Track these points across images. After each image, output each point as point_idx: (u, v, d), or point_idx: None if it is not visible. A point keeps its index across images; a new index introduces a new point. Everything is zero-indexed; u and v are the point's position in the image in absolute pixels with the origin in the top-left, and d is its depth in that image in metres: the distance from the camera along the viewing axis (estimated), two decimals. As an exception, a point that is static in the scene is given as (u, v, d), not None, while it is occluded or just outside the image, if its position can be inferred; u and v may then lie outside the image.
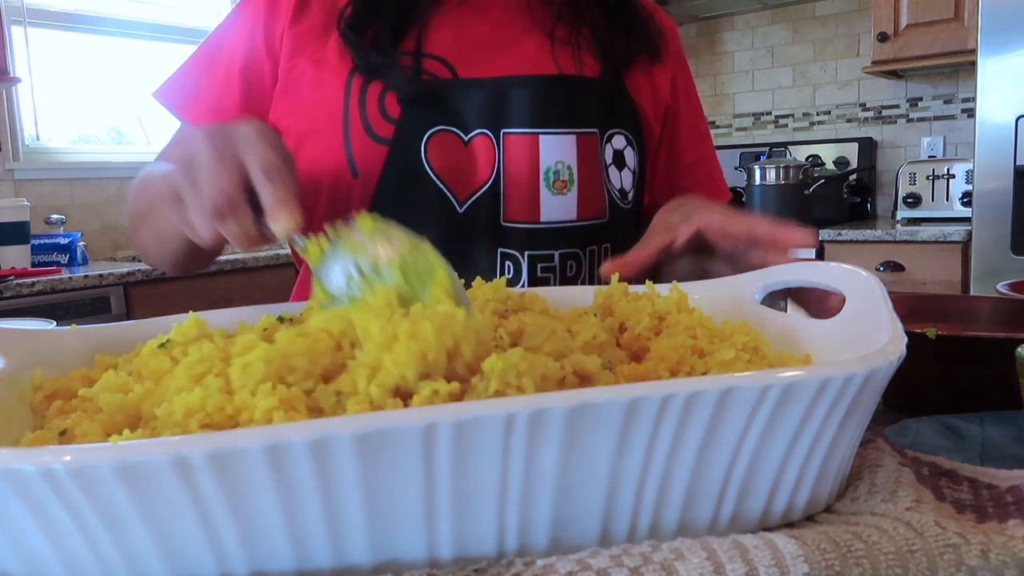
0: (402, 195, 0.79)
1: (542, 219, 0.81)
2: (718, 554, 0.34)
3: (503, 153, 0.80)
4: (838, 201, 2.96)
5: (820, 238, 2.67)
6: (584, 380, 0.42)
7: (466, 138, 0.80)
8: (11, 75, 2.67)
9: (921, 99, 3.07)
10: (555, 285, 0.82)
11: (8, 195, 2.75)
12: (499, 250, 0.81)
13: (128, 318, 2.18)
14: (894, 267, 2.55)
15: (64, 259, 2.61)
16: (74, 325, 0.55)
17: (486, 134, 0.80)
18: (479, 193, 0.80)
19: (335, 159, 0.79)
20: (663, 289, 0.58)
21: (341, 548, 0.34)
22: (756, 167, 2.93)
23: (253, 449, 0.31)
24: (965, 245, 2.46)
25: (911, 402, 0.62)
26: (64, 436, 0.40)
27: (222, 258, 2.68)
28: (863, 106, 3.20)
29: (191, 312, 0.52)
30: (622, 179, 0.87)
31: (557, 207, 0.81)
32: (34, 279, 2.24)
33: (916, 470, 0.45)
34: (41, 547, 0.33)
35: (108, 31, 3.11)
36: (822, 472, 0.40)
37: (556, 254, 0.82)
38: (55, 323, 0.68)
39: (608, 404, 0.34)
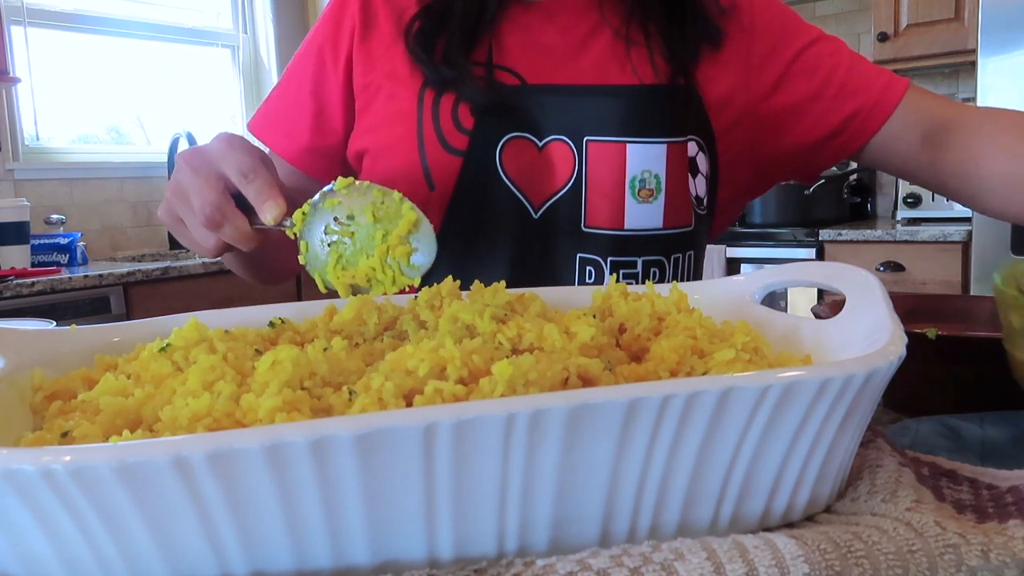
0: (477, 204, 0.80)
1: (627, 226, 0.81)
2: (718, 554, 0.34)
3: (585, 160, 0.80)
4: (838, 201, 2.96)
5: (820, 238, 2.67)
6: (587, 383, 0.42)
7: (540, 144, 0.80)
8: (11, 75, 2.67)
9: (921, 99, 3.07)
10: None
11: (8, 195, 2.75)
12: (578, 255, 0.81)
13: (128, 318, 2.18)
14: (894, 267, 2.55)
15: (64, 259, 2.61)
16: (74, 325, 0.55)
17: (563, 140, 0.80)
18: (555, 198, 0.81)
19: (411, 172, 0.80)
20: (663, 289, 0.58)
21: (341, 548, 0.34)
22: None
23: (253, 449, 0.31)
24: (965, 245, 2.46)
25: (911, 402, 0.62)
26: (65, 438, 0.40)
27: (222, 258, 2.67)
28: (863, 106, 3.20)
29: (191, 315, 0.52)
30: (696, 186, 0.86)
31: (642, 215, 0.81)
32: (34, 279, 2.24)
33: (916, 470, 0.45)
34: (41, 547, 0.33)
35: (108, 31, 3.11)
36: (822, 472, 0.40)
37: (640, 261, 0.82)
38: (55, 323, 0.68)
39: (608, 404, 0.34)
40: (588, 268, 0.81)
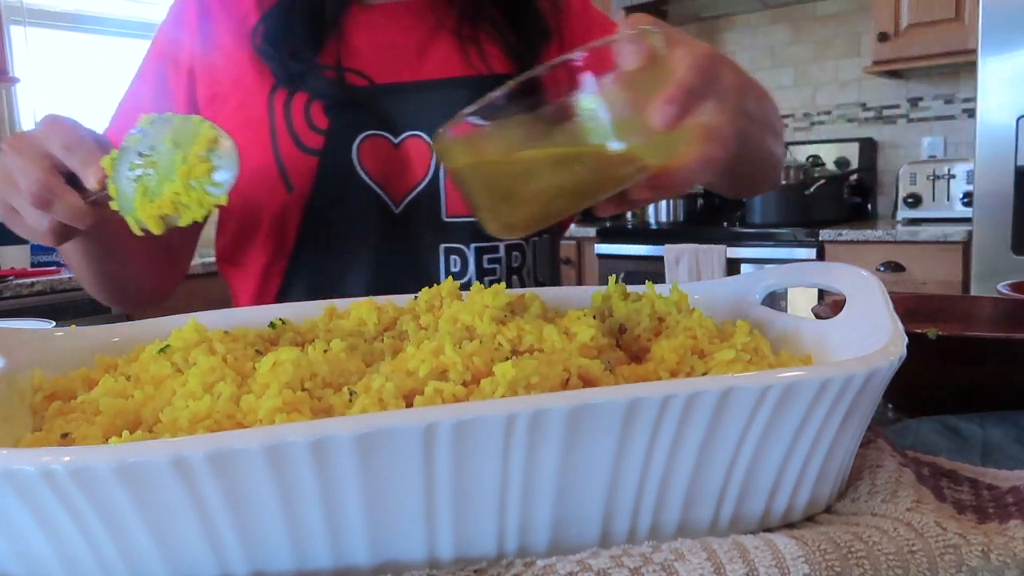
0: (337, 202, 0.81)
1: None
2: (718, 554, 0.33)
3: None
4: (838, 201, 2.96)
5: (820, 238, 2.67)
6: (588, 383, 0.42)
7: (396, 141, 0.82)
8: (11, 75, 2.67)
9: (922, 99, 3.07)
10: (502, 275, 0.85)
11: (8, 195, 2.74)
12: (442, 245, 0.83)
13: (128, 318, 2.18)
14: (894, 267, 2.55)
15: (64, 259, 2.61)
16: (74, 325, 0.55)
17: (418, 135, 0.82)
18: (415, 192, 0.83)
19: (268, 176, 0.80)
20: (663, 290, 0.58)
21: (341, 548, 0.34)
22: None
23: (253, 449, 0.30)
24: (965, 245, 2.46)
25: (911, 402, 0.62)
26: (65, 439, 0.40)
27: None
28: (863, 106, 3.20)
29: (190, 316, 0.52)
30: None
31: None
32: (34, 279, 2.24)
33: (916, 470, 0.45)
34: (41, 548, 0.33)
35: (108, 31, 3.11)
36: (822, 472, 0.40)
37: (501, 245, 0.85)
38: (55, 323, 0.68)
39: (608, 404, 0.34)
40: (452, 257, 0.83)
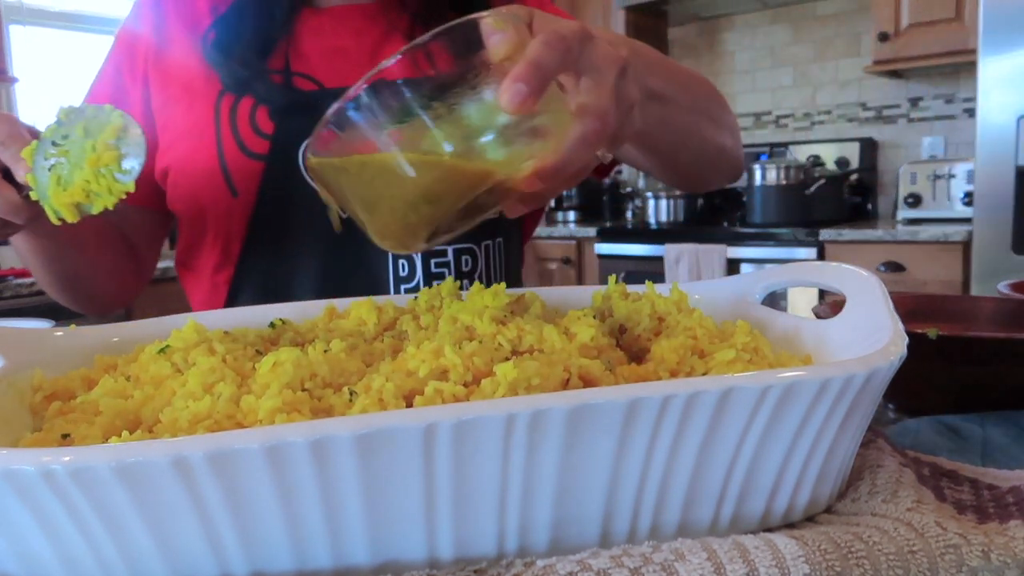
0: (282, 207, 0.81)
1: None
2: (718, 555, 0.33)
3: None
4: (839, 201, 2.96)
5: (820, 238, 2.67)
6: (588, 384, 0.42)
7: None
8: (10, 75, 2.67)
9: (922, 99, 3.07)
10: (451, 279, 0.84)
11: (8, 195, 2.74)
12: (390, 251, 0.83)
13: (128, 318, 2.18)
14: (895, 267, 2.55)
15: (64, 259, 2.61)
16: (74, 325, 0.55)
17: None
18: None
19: (213, 181, 0.80)
20: (663, 290, 0.58)
21: (341, 548, 0.34)
22: (757, 167, 2.93)
23: (253, 449, 0.30)
24: (966, 245, 2.46)
25: (912, 402, 0.62)
26: (65, 439, 0.40)
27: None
28: (864, 106, 3.20)
29: (190, 317, 0.52)
30: None
31: None
32: (34, 279, 2.24)
33: (917, 471, 0.45)
34: (41, 548, 0.33)
35: (108, 31, 3.11)
36: (823, 472, 0.40)
37: (450, 250, 0.84)
38: (55, 323, 0.68)
39: (608, 404, 0.34)
40: (400, 261, 0.83)
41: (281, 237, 0.82)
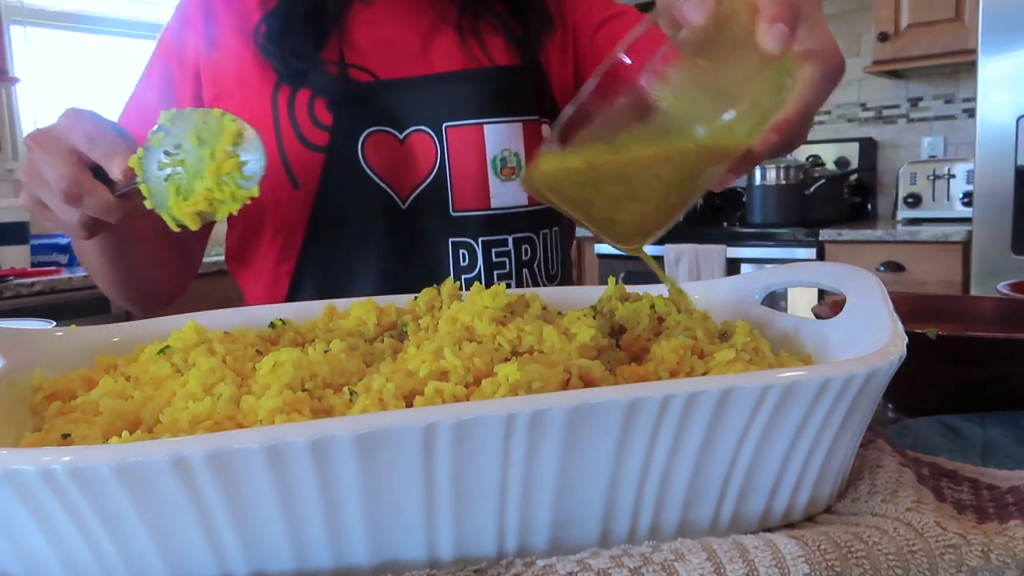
0: (344, 198, 0.81)
1: (493, 205, 0.84)
2: (718, 554, 0.33)
3: (447, 146, 0.82)
4: (838, 201, 2.96)
5: (820, 238, 2.67)
6: (588, 384, 0.42)
7: (401, 136, 0.82)
8: (11, 75, 2.67)
9: (922, 99, 3.07)
10: (511, 269, 0.85)
11: (8, 195, 2.74)
12: (450, 240, 0.83)
13: (128, 318, 2.18)
14: (894, 267, 2.55)
15: (64, 259, 2.61)
16: (74, 325, 0.55)
17: (423, 130, 0.82)
18: (421, 187, 0.83)
19: (273, 172, 0.80)
20: (662, 290, 0.58)
21: (341, 548, 0.34)
22: (756, 167, 2.93)
23: (252, 449, 0.30)
24: (965, 245, 2.46)
25: (911, 402, 0.62)
26: (66, 440, 0.40)
27: (221, 258, 2.68)
28: (863, 106, 3.20)
29: (190, 318, 0.52)
30: None
31: (507, 193, 0.84)
32: (34, 279, 2.24)
33: (917, 471, 0.45)
34: (41, 547, 0.33)
35: (108, 31, 3.11)
36: (822, 472, 0.40)
37: (510, 239, 0.85)
38: (55, 323, 0.68)
39: (608, 404, 0.34)
40: (461, 251, 0.84)
41: (342, 228, 0.82)
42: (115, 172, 0.55)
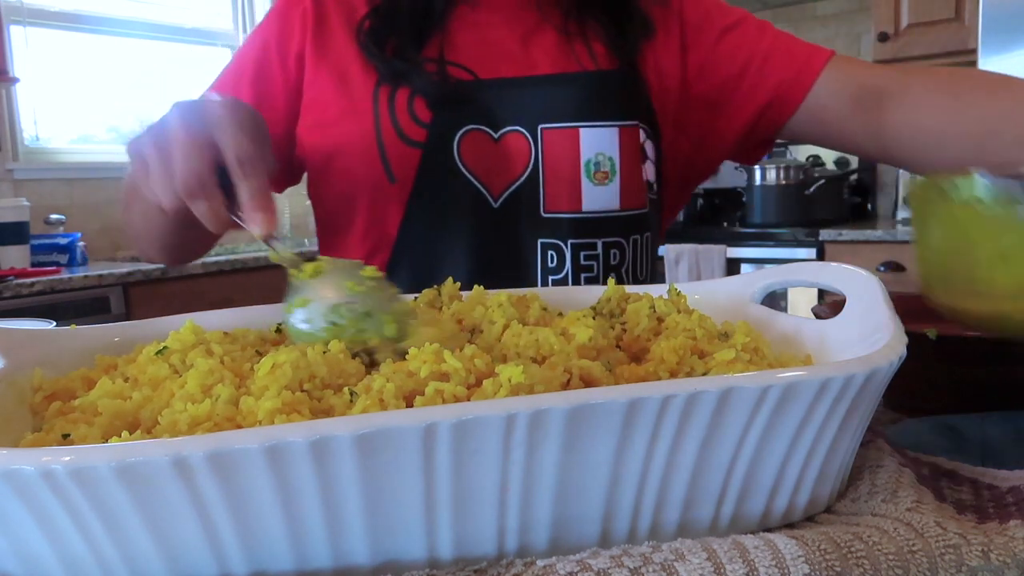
0: (438, 194, 0.82)
1: (585, 209, 0.84)
2: (718, 555, 0.33)
3: (542, 148, 0.82)
4: (838, 201, 2.96)
5: (820, 238, 2.67)
6: (588, 384, 0.42)
7: (496, 135, 0.83)
8: (11, 75, 2.67)
9: (921, 99, 3.07)
10: (599, 273, 0.85)
11: (8, 195, 2.74)
12: (539, 241, 0.84)
13: (128, 318, 2.18)
14: (895, 267, 2.55)
15: (64, 259, 2.61)
16: (74, 325, 0.55)
17: (519, 131, 0.82)
18: (514, 187, 0.83)
19: (371, 168, 0.81)
20: (662, 290, 0.58)
21: (341, 548, 0.34)
22: (756, 167, 2.93)
23: (252, 449, 0.30)
24: (965, 245, 2.46)
25: (911, 402, 0.62)
26: (66, 440, 0.40)
27: (221, 258, 2.68)
28: (863, 106, 3.20)
29: (188, 318, 0.52)
30: (646, 171, 0.88)
31: (600, 197, 0.84)
32: (34, 279, 2.24)
33: (917, 471, 0.45)
34: (41, 548, 0.33)
35: (108, 31, 3.11)
36: (822, 472, 0.40)
37: (599, 243, 0.84)
38: (55, 323, 0.68)
39: (608, 404, 0.34)
40: (550, 252, 0.84)
41: (435, 224, 0.83)
42: (256, 231, 0.52)
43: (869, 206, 3.17)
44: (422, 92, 0.81)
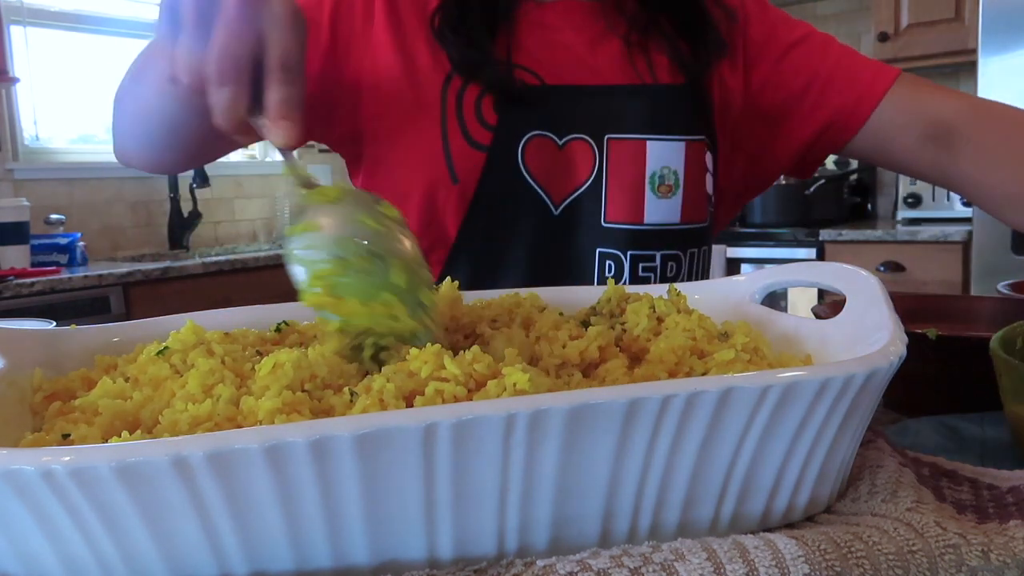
0: (499, 199, 0.82)
1: (646, 221, 0.83)
2: (718, 555, 0.33)
3: (607, 157, 0.82)
4: (838, 201, 2.96)
5: (820, 238, 2.67)
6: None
7: (560, 142, 0.82)
8: (11, 75, 2.67)
9: (921, 99, 3.07)
10: (656, 284, 0.84)
11: (8, 195, 2.74)
12: (599, 250, 0.84)
13: (128, 318, 2.18)
14: (894, 267, 2.55)
15: (64, 259, 2.61)
16: (74, 325, 0.55)
17: (584, 139, 0.82)
18: (575, 195, 0.83)
19: (434, 165, 0.81)
20: (661, 290, 0.58)
21: (341, 548, 0.34)
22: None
23: (252, 449, 0.30)
24: (965, 245, 2.46)
25: (911, 402, 0.62)
26: (66, 440, 0.40)
27: (221, 258, 2.68)
28: (863, 106, 3.20)
29: (188, 318, 0.52)
30: (706, 184, 0.88)
31: (661, 210, 0.83)
32: (34, 279, 2.24)
33: (917, 471, 0.45)
34: (41, 548, 0.33)
35: (108, 31, 3.11)
36: (822, 472, 0.40)
37: (658, 255, 0.84)
38: (55, 323, 0.68)
39: (608, 404, 0.34)
40: (608, 262, 0.83)
41: (495, 227, 0.82)
42: (276, 135, 0.48)
43: (869, 206, 3.17)
44: (493, 89, 0.80)
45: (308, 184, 0.48)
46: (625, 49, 0.85)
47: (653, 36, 0.86)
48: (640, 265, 0.84)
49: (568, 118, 0.82)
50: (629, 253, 0.83)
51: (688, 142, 0.83)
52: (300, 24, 0.51)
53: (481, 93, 0.80)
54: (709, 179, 0.88)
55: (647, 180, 0.82)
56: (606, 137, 0.82)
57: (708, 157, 0.87)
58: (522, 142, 0.81)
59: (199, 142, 0.75)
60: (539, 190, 0.82)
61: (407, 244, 0.47)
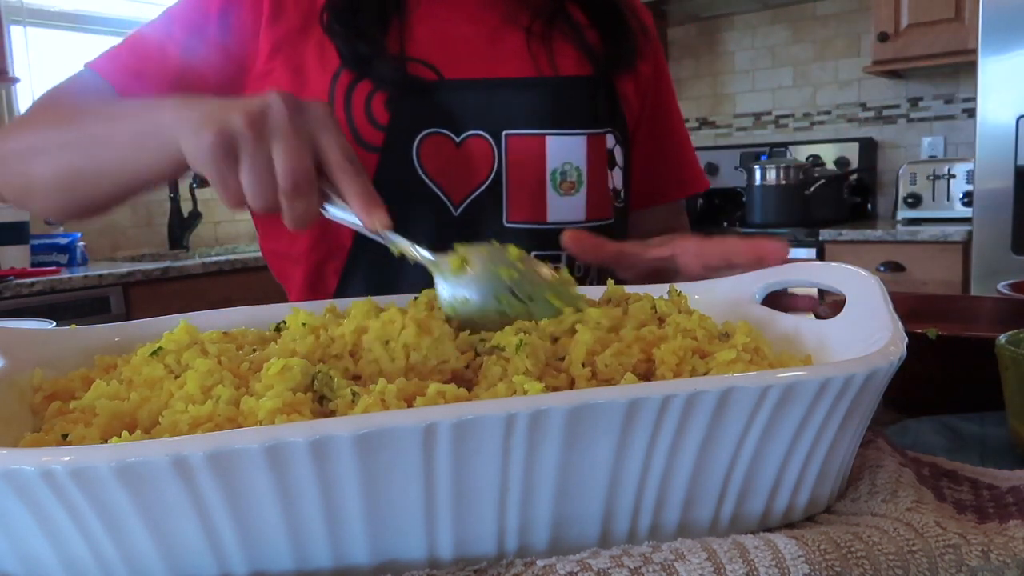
0: (395, 201, 0.78)
1: (549, 220, 0.81)
2: (718, 555, 0.33)
3: (505, 154, 0.79)
4: (838, 201, 2.96)
5: (820, 238, 2.67)
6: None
7: (458, 140, 0.79)
8: (11, 75, 2.67)
9: (921, 99, 3.07)
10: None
11: (8, 195, 2.74)
12: None
13: (128, 318, 2.18)
14: (895, 267, 2.55)
15: (63, 259, 2.61)
16: (74, 325, 0.55)
17: (482, 135, 0.79)
18: (475, 195, 0.79)
19: None
20: (662, 290, 0.58)
21: (341, 548, 0.34)
22: (756, 167, 2.93)
23: (252, 449, 0.30)
24: (965, 245, 2.46)
25: (911, 402, 0.62)
26: (66, 440, 0.40)
27: (221, 258, 2.68)
28: (863, 106, 3.20)
29: (189, 316, 0.52)
30: (614, 178, 0.86)
31: (564, 208, 0.81)
32: (34, 279, 2.24)
33: (917, 471, 0.45)
34: (41, 548, 0.33)
35: (108, 31, 3.11)
36: (823, 472, 0.40)
37: (564, 255, 0.81)
38: (55, 323, 0.67)
39: (608, 404, 0.34)
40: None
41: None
42: (376, 224, 0.53)
43: (869, 206, 3.17)
44: (385, 85, 0.76)
45: (427, 259, 0.54)
46: (527, 41, 0.82)
47: (559, 26, 0.83)
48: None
49: (465, 114, 0.78)
50: (533, 254, 0.81)
51: (590, 136, 0.81)
52: (337, 120, 0.54)
53: (371, 91, 0.77)
54: (619, 174, 0.86)
55: (548, 177, 0.80)
56: (504, 133, 0.79)
57: (619, 151, 0.85)
58: (417, 140, 0.77)
59: (130, 197, 0.72)
60: (437, 190, 0.78)
61: (544, 271, 0.52)
